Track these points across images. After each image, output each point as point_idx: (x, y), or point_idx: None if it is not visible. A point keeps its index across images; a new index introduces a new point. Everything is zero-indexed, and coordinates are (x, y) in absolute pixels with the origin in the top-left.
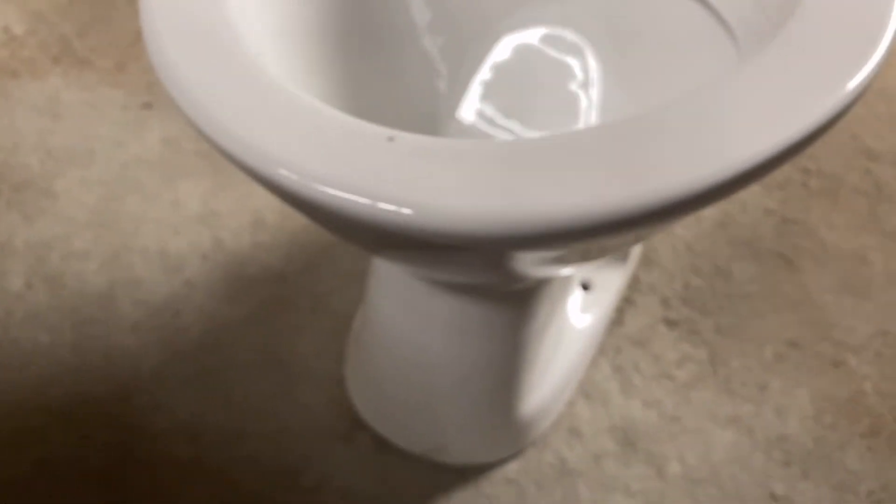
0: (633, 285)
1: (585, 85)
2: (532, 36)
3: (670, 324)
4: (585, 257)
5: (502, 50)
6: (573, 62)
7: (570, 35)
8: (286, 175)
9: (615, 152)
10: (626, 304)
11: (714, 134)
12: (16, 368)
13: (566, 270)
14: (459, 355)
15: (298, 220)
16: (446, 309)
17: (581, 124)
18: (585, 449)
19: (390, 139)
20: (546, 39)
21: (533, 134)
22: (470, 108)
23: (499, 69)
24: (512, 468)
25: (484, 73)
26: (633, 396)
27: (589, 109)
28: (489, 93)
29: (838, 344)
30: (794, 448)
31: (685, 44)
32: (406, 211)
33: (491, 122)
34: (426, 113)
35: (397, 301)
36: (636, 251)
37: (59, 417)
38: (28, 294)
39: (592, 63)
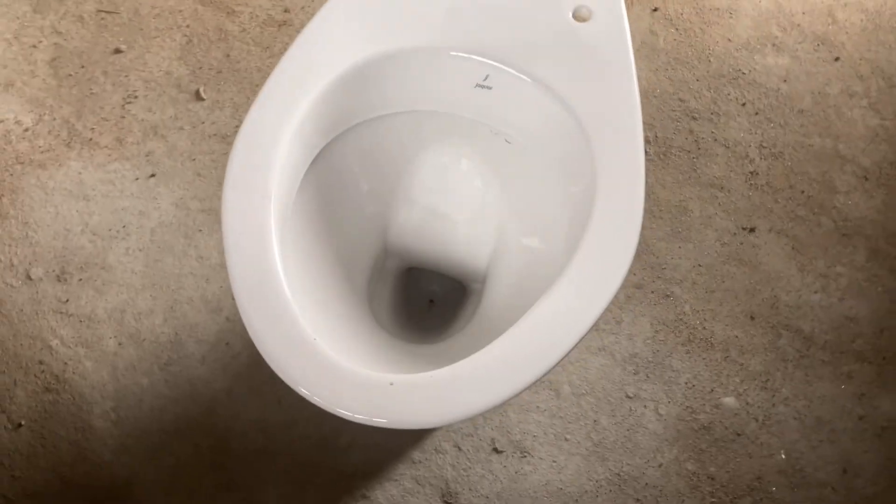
0: None
1: (482, 190)
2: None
3: None
4: None
5: (425, 174)
6: (472, 180)
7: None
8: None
9: (500, 373)
10: None
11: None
12: (135, 406)
13: None
14: None
15: None
16: None
17: (483, 215)
18: None
19: (391, 384)
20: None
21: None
22: (412, 210)
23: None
24: None
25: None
26: None
27: (484, 207)
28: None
29: (668, 280)
30: (640, 361)
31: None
32: (347, 413)
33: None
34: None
35: None
36: None
37: (175, 434)
38: (121, 351)
39: (474, 172)
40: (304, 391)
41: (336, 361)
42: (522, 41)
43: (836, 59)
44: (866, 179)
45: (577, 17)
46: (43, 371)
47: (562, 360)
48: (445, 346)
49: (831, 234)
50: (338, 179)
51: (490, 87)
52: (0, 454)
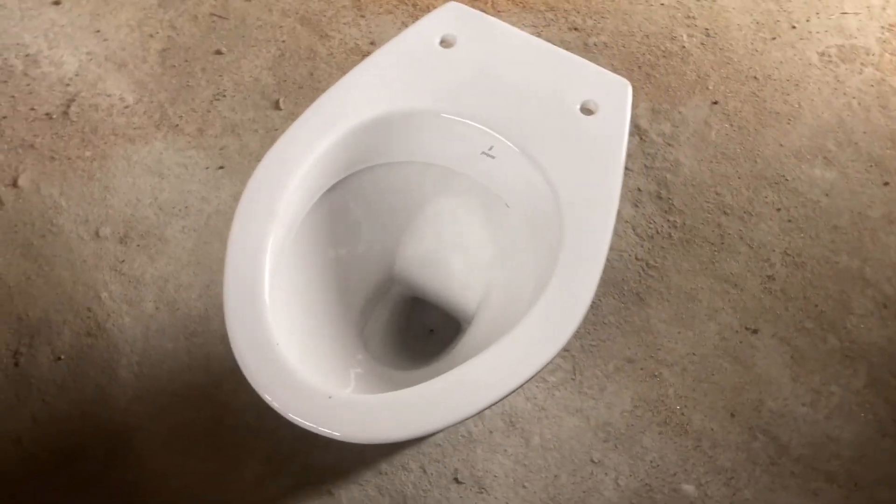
0: None
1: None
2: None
3: None
4: None
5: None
6: (471, 232)
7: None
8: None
9: (429, 406)
10: None
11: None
12: (156, 365)
13: None
14: None
15: None
16: None
17: (472, 257)
18: (484, 426)
19: (329, 397)
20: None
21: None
22: (412, 251)
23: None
24: (440, 436)
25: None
26: (517, 392)
27: (478, 258)
28: (421, 242)
29: (660, 361)
30: (613, 430)
31: (537, 217)
32: (336, 433)
33: (425, 257)
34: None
35: None
36: None
37: (183, 398)
38: (157, 314)
39: (474, 226)
40: (258, 390)
41: (289, 367)
42: (529, 123)
43: (886, 183)
44: (885, 307)
45: (584, 109)
46: (89, 317)
47: (484, 409)
48: (416, 375)
49: (835, 352)
50: (351, 210)
51: (493, 157)
52: (38, 380)
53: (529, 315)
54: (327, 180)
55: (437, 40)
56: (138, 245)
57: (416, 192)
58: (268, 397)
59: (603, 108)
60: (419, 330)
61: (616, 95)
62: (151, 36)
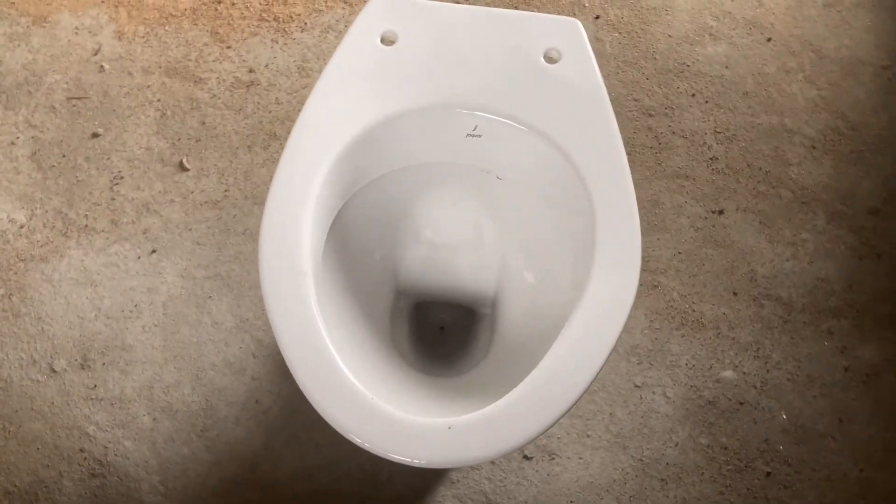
0: None
1: (478, 228)
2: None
3: None
4: None
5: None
6: (469, 216)
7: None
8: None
9: (542, 402)
10: None
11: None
12: (181, 476)
13: None
14: None
15: None
16: None
17: (482, 246)
18: None
19: (449, 428)
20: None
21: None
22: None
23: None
24: None
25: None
26: None
27: (484, 239)
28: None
29: (653, 271)
30: (642, 350)
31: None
32: (417, 461)
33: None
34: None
35: None
36: None
37: (224, 495)
38: (157, 425)
39: (483, 215)
40: (377, 451)
41: (396, 416)
42: (503, 89)
43: (769, 39)
44: (814, 148)
45: (548, 59)
46: (85, 458)
47: (595, 377)
48: (476, 375)
49: (792, 204)
50: (350, 239)
51: (480, 136)
52: None
53: (593, 280)
54: (326, 223)
55: (377, 40)
56: (103, 364)
57: (404, 198)
58: (394, 457)
59: (564, 52)
60: (431, 331)
61: (571, 36)
62: (12, 143)
